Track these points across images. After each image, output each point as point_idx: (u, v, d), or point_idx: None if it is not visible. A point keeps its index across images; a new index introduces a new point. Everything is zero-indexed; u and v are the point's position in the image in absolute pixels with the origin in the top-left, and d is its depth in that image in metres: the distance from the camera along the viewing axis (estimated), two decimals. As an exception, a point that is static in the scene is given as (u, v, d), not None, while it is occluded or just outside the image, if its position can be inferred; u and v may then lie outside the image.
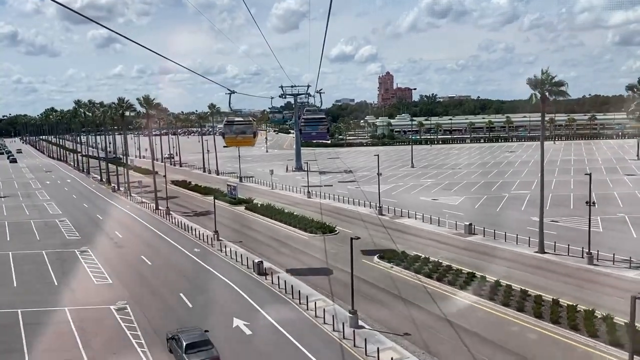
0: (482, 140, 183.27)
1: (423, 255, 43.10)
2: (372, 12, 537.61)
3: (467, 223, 51.37)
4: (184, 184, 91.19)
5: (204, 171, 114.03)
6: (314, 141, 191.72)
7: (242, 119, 48.09)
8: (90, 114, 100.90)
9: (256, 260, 41.15)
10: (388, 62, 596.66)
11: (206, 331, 28.25)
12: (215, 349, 26.83)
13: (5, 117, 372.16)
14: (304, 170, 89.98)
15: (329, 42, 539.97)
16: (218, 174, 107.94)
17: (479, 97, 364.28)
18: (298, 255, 46.02)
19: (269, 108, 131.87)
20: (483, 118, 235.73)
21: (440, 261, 41.43)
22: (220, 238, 51.98)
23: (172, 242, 52.58)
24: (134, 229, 59.40)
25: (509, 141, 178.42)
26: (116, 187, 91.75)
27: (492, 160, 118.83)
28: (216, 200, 74.72)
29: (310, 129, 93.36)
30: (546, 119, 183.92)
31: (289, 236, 53.01)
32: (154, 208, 69.75)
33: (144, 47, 20.70)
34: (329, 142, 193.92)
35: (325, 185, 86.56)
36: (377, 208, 61.52)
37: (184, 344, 26.63)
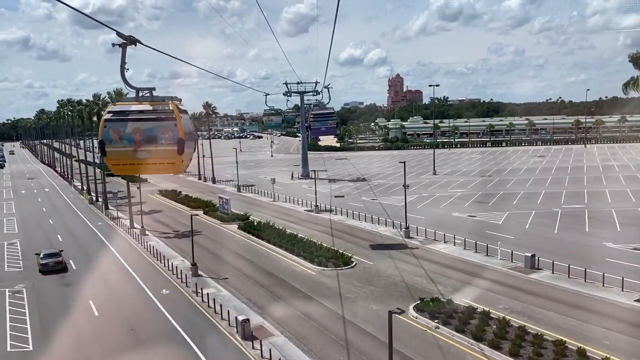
0: (503, 144, 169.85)
1: (479, 307, 30.24)
2: (382, 15, 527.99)
3: (529, 254, 38.35)
4: (172, 195, 78.84)
5: (199, 178, 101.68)
6: (323, 145, 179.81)
7: (149, 108, 17.77)
8: (70, 114, 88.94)
9: (240, 318, 28.36)
10: (397, 65, 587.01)
11: (61, 251, 43.05)
12: (62, 259, 41.57)
13: (9, 121, 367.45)
14: (312, 178, 77.69)
15: (338, 46, 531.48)
16: (214, 182, 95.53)
17: (492, 99, 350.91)
18: (301, 304, 33.13)
19: (264, 109, 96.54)
20: (501, 120, 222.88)
21: (507, 318, 28.51)
22: (199, 273, 39.42)
23: (137, 278, 39.97)
24: (94, 257, 46.88)
25: (533, 144, 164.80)
26: (95, 198, 79.55)
27: (522, 166, 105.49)
28: (206, 217, 62.44)
29: (319, 124, 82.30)
30: (571, 121, 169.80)
31: (291, 270, 40.22)
32: (129, 226, 57.27)
33: (158, 51, 17.42)
34: (339, 145, 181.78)
35: (335, 197, 73.93)
36: (404, 229, 48.63)
37: (42, 254, 41.52)
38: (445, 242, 45.85)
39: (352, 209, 61.97)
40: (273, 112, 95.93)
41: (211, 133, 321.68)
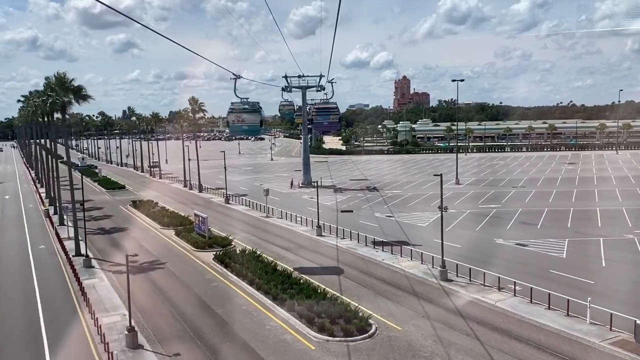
0: (523, 149, 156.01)
1: None
2: (389, 18, 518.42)
3: (645, 322, 24.88)
4: (145, 207, 65.22)
5: (185, 186, 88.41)
6: (327, 148, 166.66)
7: None
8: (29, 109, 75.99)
9: None
10: (403, 68, 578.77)
11: None
12: None
13: (6, 120, 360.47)
14: (314, 187, 64.54)
15: (345, 49, 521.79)
16: (201, 191, 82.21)
17: (501, 102, 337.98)
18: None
19: (232, 103, 51.94)
20: (517, 124, 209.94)
21: None
22: (139, 343, 26.11)
23: (46, 347, 26.62)
24: (4, 305, 33.57)
25: (556, 150, 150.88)
26: (55, 209, 66.31)
27: (556, 174, 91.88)
28: (177, 240, 49.23)
29: (321, 118, 76.40)
30: (595, 125, 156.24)
31: (279, 340, 26.74)
32: (74, 253, 43.91)
33: (175, 42, 8.92)
34: (344, 148, 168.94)
35: (342, 211, 60.70)
36: (439, 268, 35.12)
37: None
38: (499, 288, 32.35)
39: (363, 229, 48.77)
40: (246, 107, 50.63)
41: (212, 134, 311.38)
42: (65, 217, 59.21)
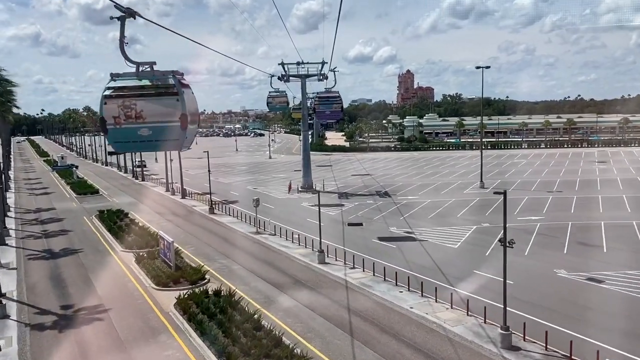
0: (542, 145, 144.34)
1: None
2: (393, 13, 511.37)
3: None
4: (113, 219, 53.64)
5: (167, 190, 77.08)
6: (330, 145, 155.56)
7: None
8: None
9: None
10: (406, 63, 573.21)
11: None
12: None
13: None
14: (315, 191, 53.59)
15: (347, 43, 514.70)
16: (184, 197, 70.89)
17: (507, 97, 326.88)
18: None
19: (114, 76, 14.74)
20: (529, 118, 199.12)
21: None
22: None
23: None
24: None
25: (578, 146, 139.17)
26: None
27: (591, 176, 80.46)
28: (136, 268, 37.64)
29: (324, 107, 73.29)
30: (618, 119, 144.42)
31: None
32: (-8, 292, 32.75)
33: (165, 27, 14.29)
34: (348, 145, 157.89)
35: (349, 224, 49.78)
36: (501, 332, 23.66)
37: None
38: (598, 369, 21.04)
39: (379, 252, 37.67)
40: (149, 84, 14.42)
41: (212, 130, 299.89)
42: (12, 234, 48.59)
